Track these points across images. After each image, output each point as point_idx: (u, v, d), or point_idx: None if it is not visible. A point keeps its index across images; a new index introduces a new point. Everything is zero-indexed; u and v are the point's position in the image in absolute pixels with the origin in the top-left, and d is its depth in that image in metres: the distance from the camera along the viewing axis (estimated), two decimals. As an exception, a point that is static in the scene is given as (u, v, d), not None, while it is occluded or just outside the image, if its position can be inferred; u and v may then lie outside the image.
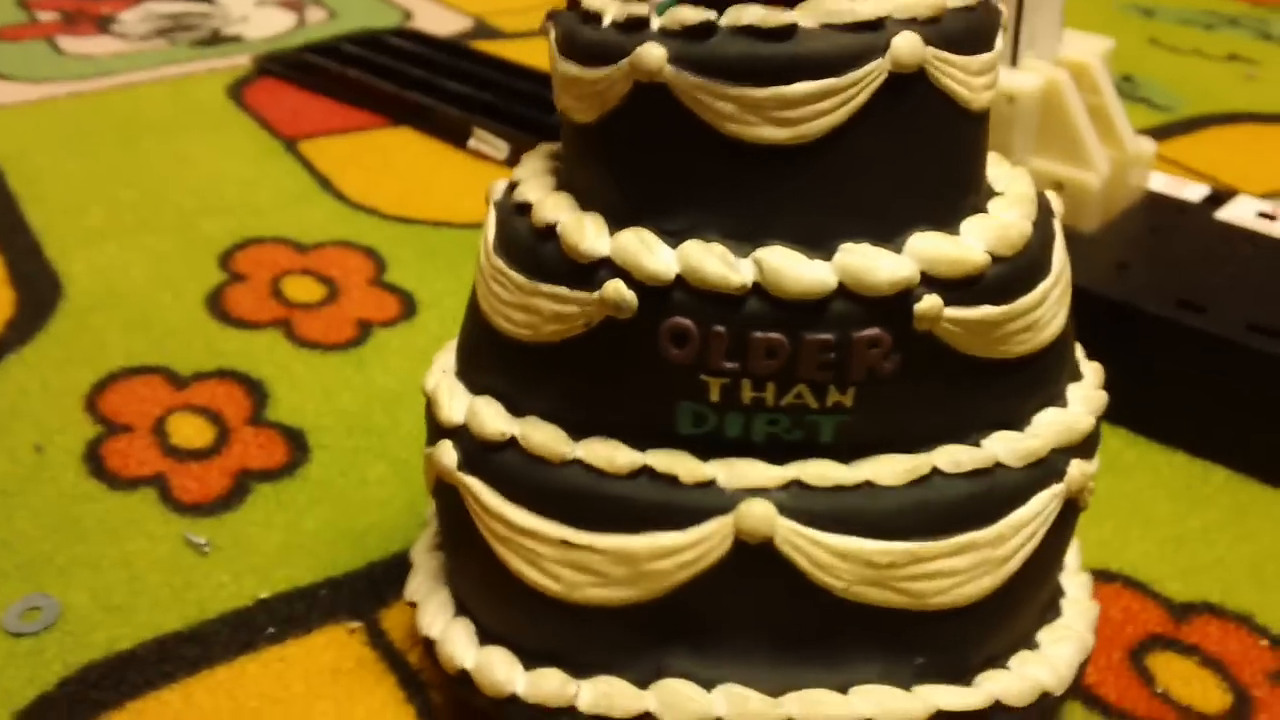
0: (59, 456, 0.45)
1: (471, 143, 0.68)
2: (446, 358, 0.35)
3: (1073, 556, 0.37)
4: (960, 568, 0.30)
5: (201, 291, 0.55)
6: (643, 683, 0.31)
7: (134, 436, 0.46)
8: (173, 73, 0.80)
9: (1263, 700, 0.37)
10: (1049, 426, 0.31)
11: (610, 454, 0.30)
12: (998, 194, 0.31)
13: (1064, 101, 0.48)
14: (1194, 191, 0.53)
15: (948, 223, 0.29)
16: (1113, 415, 0.47)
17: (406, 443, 0.46)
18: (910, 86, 0.28)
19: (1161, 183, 0.53)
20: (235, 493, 0.43)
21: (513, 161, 0.66)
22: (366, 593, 0.39)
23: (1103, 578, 0.41)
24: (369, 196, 0.63)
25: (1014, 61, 0.48)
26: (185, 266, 0.57)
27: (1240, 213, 0.51)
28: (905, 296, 0.28)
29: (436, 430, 0.33)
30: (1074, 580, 0.36)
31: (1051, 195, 0.33)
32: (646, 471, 0.30)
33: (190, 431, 0.46)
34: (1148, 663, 0.38)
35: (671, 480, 0.30)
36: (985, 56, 0.29)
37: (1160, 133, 0.72)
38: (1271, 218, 0.51)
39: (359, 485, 0.44)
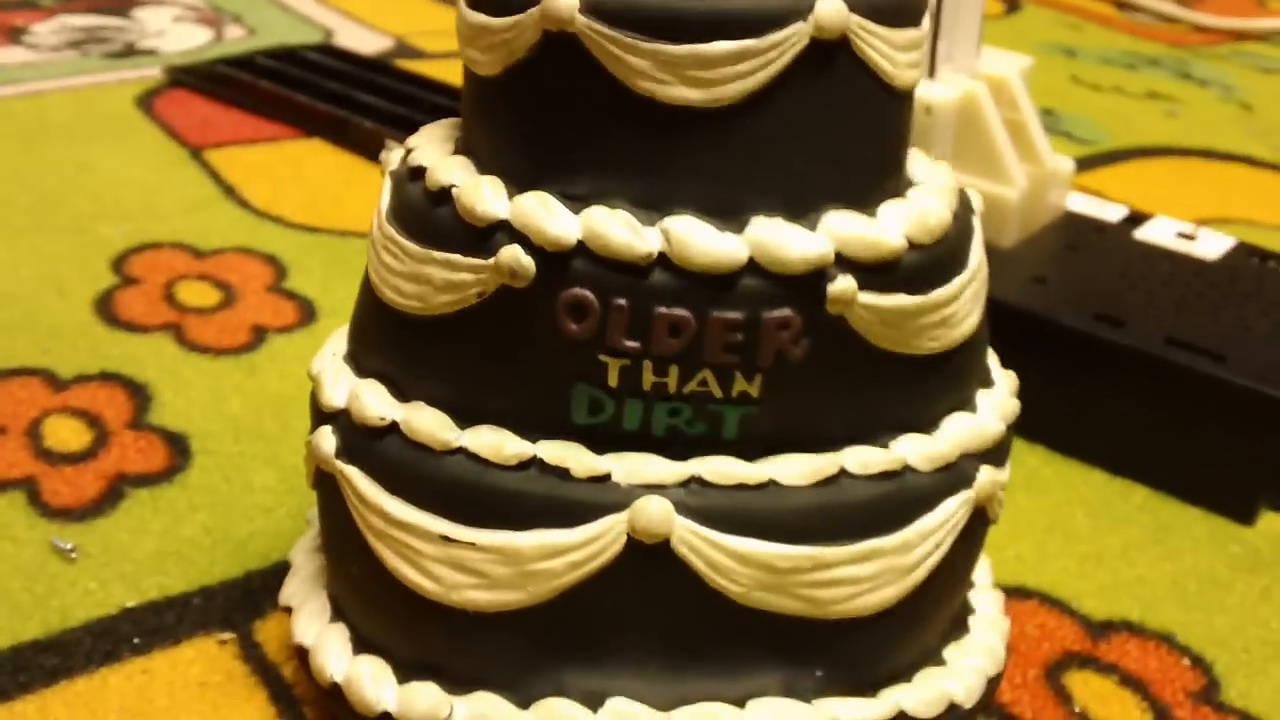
0: (-78, 458, 0.42)
1: (384, 156, 0.66)
2: (338, 341, 0.33)
3: (983, 573, 0.36)
4: (864, 575, 0.28)
5: (91, 294, 0.53)
6: (525, 701, 0.29)
7: (6, 438, 0.43)
8: (82, 83, 0.77)
9: (1182, 720, 0.35)
10: (959, 431, 0.30)
11: (498, 443, 0.28)
12: (917, 184, 0.30)
13: (982, 114, 0.47)
14: (1113, 212, 0.52)
15: (865, 204, 0.28)
16: (1031, 432, 0.46)
17: (297, 449, 0.43)
18: (832, 55, 0.26)
19: (1080, 203, 0.52)
20: (109, 497, 0.41)
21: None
22: (242, 602, 0.37)
23: (1019, 595, 0.39)
24: (275, 205, 0.61)
25: (931, 74, 0.47)
26: (76, 269, 0.55)
27: (1159, 233, 0.51)
28: (818, 277, 0.27)
29: (318, 415, 0.31)
30: (984, 597, 0.35)
31: (973, 192, 0.32)
32: (536, 463, 0.28)
33: (66, 434, 0.44)
34: (1065, 681, 0.36)
35: (563, 473, 0.28)
36: (911, 33, 0.28)
37: (1081, 164, 0.71)
38: (1191, 238, 0.50)
39: (243, 492, 0.42)
